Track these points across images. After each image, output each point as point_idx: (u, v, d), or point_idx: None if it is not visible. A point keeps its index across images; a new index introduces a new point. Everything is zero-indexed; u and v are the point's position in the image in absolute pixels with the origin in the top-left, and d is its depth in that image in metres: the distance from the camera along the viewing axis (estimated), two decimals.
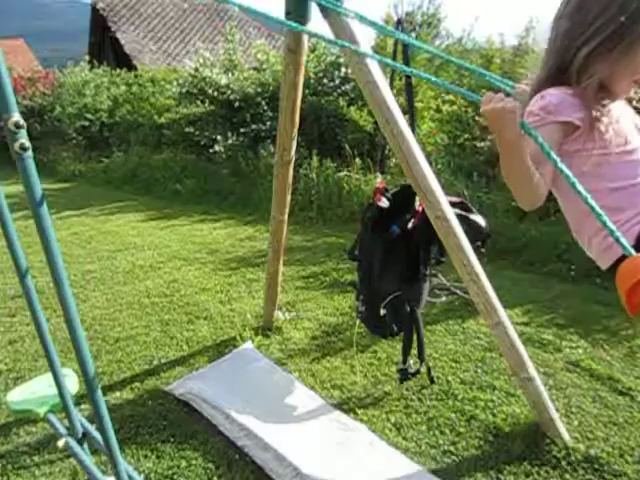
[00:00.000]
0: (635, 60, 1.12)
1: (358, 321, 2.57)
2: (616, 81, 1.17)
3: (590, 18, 1.12)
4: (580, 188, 1.03)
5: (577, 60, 1.15)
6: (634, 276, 0.95)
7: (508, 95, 1.17)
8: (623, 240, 0.99)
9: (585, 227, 1.38)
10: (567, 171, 1.03)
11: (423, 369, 2.43)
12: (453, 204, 2.23)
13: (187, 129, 7.91)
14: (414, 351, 2.42)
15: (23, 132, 0.92)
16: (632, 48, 1.11)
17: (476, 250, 2.20)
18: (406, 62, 2.13)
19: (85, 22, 17.28)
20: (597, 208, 1.01)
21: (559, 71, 1.20)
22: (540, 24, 6.66)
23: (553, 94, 1.19)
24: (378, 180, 2.41)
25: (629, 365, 2.66)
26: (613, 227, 1.00)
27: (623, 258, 1.00)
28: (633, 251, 0.99)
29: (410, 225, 2.23)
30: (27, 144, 0.92)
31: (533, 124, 1.15)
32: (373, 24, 1.61)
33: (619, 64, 1.13)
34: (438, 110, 6.19)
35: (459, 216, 2.16)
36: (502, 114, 1.04)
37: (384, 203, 2.30)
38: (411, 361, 2.43)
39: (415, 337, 2.39)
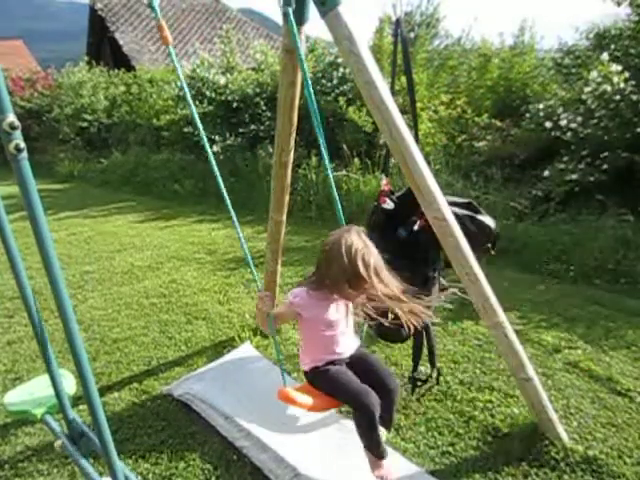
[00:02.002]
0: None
1: (365, 326, 2.54)
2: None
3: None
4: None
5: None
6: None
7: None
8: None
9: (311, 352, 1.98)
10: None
11: (435, 375, 2.38)
12: (461, 205, 2.22)
13: (186, 129, 7.90)
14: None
15: (18, 133, 0.91)
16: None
17: (486, 251, 2.18)
18: (406, 62, 2.12)
19: (84, 23, 17.27)
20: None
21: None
22: (535, 23, 6.68)
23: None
24: (383, 182, 2.38)
25: (628, 366, 2.66)
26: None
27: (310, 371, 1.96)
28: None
29: (416, 227, 2.20)
30: (22, 145, 0.92)
31: None
32: None
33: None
34: (435, 111, 6.20)
35: (468, 217, 2.14)
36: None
37: (388, 205, 2.27)
38: (421, 368, 2.40)
39: (426, 342, 2.34)
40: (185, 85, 1.83)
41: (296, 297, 1.85)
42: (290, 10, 1.80)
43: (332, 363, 1.92)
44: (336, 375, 1.87)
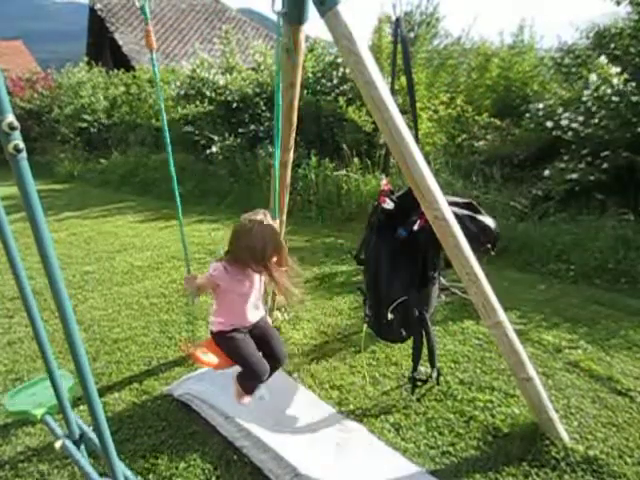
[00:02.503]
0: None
1: (365, 326, 2.53)
2: None
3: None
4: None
5: None
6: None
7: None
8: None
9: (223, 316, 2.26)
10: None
11: (434, 375, 2.37)
12: (461, 205, 2.21)
13: (186, 128, 7.90)
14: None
15: (17, 133, 0.91)
16: None
17: (486, 252, 2.18)
18: (406, 62, 2.11)
19: (84, 23, 17.27)
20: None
21: None
22: (535, 23, 6.68)
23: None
24: (383, 182, 2.37)
25: (629, 366, 2.66)
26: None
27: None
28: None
29: (416, 227, 2.19)
30: (21, 145, 0.91)
31: None
32: None
33: None
34: (435, 111, 6.19)
35: (468, 217, 2.13)
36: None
37: (388, 205, 2.26)
38: (421, 368, 2.40)
39: (425, 342, 2.32)
40: (160, 90, 2.18)
41: (215, 270, 2.14)
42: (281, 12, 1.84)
43: (237, 330, 2.26)
44: (238, 344, 2.22)
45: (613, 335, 2.99)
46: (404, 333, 2.34)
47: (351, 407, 2.41)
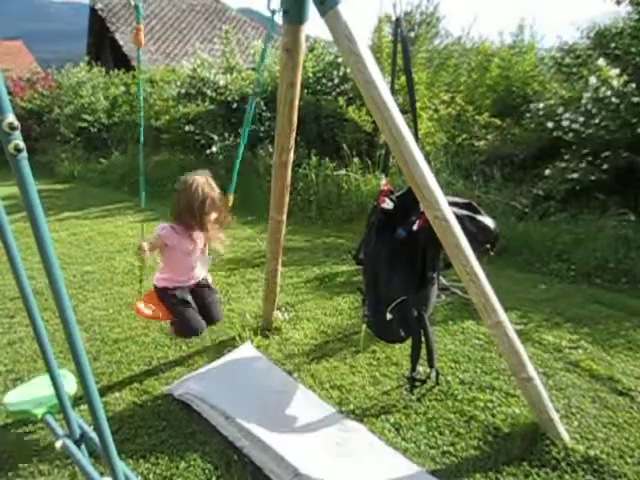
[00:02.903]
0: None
1: (364, 326, 2.53)
2: None
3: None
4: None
5: None
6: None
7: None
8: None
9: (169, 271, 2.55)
10: None
11: (433, 375, 2.38)
12: (460, 205, 2.21)
13: (187, 127, 7.90)
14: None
15: (17, 133, 0.91)
16: None
17: (485, 252, 2.17)
18: (406, 62, 2.11)
19: (84, 23, 17.27)
20: None
21: None
22: (536, 22, 6.67)
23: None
24: (383, 182, 2.37)
25: (629, 366, 2.66)
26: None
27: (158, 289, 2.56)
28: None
29: (415, 227, 2.19)
30: (22, 145, 0.92)
31: None
32: None
33: None
34: (436, 110, 6.19)
35: (467, 217, 2.13)
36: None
37: (388, 205, 2.26)
38: (420, 368, 2.40)
39: (424, 342, 2.32)
40: (141, 90, 2.31)
41: (162, 230, 2.37)
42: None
43: (180, 289, 2.52)
44: (179, 302, 2.50)
45: (614, 335, 2.99)
46: (403, 333, 2.34)
47: (351, 407, 2.41)
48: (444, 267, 2.32)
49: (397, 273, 2.24)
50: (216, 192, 2.42)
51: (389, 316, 2.23)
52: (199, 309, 2.59)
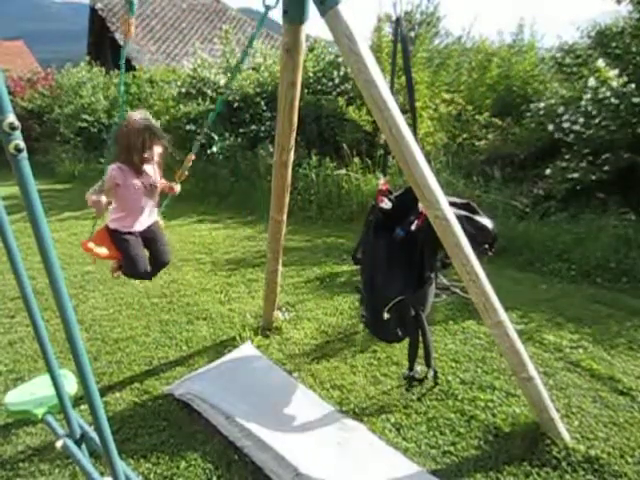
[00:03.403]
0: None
1: (361, 325, 2.53)
2: None
3: None
4: None
5: None
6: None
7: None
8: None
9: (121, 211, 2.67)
10: None
11: (430, 374, 2.38)
12: (459, 206, 2.21)
13: (188, 127, 7.89)
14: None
15: (18, 133, 0.91)
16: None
17: (484, 252, 2.18)
18: (406, 62, 2.11)
19: (85, 23, 17.26)
20: None
21: None
22: (536, 21, 6.66)
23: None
24: (381, 182, 2.37)
25: (630, 365, 2.65)
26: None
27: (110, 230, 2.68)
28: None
29: (413, 227, 2.19)
30: (22, 145, 0.91)
31: None
32: None
33: None
34: (436, 109, 6.19)
35: (465, 218, 2.13)
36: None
37: (386, 205, 2.26)
38: (418, 367, 2.40)
39: (421, 342, 2.32)
40: (122, 89, 2.45)
41: (113, 171, 2.49)
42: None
43: (131, 233, 2.68)
44: (129, 245, 2.66)
45: (614, 334, 2.98)
46: (400, 333, 2.34)
47: (352, 407, 2.41)
48: (441, 267, 2.33)
49: (395, 273, 2.24)
50: (155, 128, 2.54)
51: (386, 315, 2.24)
52: (150, 253, 2.80)
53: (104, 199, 2.44)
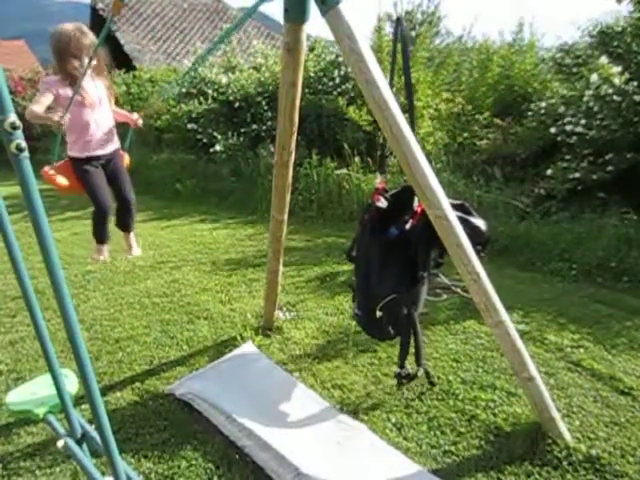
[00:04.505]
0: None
1: (354, 323, 2.54)
2: None
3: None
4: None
5: None
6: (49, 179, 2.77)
7: None
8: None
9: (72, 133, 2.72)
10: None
11: (420, 373, 2.35)
12: (453, 206, 2.21)
13: (190, 125, 7.90)
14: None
15: (19, 133, 0.91)
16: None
17: (476, 254, 2.18)
18: (406, 62, 2.11)
19: (86, 22, 17.26)
20: None
21: None
22: (536, 21, 6.65)
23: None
24: (377, 180, 2.37)
25: (631, 365, 2.65)
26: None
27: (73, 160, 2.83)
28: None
29: (408, 226, 2.19)
30: (23, 145, 0.92)
31: None
32: None
33: None
34: (437, 109, 6.18)
35: (459, 219, 2.13)
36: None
37: (382, 203, 2.26)
38: (409, 366, 2.39)
39: (413, 341, 2.32)
40: (100, 44, 2.37)
41: (47, 80, 2.54)
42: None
43: (91, 163, 2.72)
44: (89, 173, 2.69)
45: (615, 334, 2.98)
46: (391, 331, 2.35)
47: (353, 406, 2.41)
48: (435, 266, 2.33)
49: (389, 271, 2.25)
50: (87, 37, 2.58)
51: (379, 314, 2.25)
52: (113, 189, 2.85)
53: (39, 108, 2.48)
